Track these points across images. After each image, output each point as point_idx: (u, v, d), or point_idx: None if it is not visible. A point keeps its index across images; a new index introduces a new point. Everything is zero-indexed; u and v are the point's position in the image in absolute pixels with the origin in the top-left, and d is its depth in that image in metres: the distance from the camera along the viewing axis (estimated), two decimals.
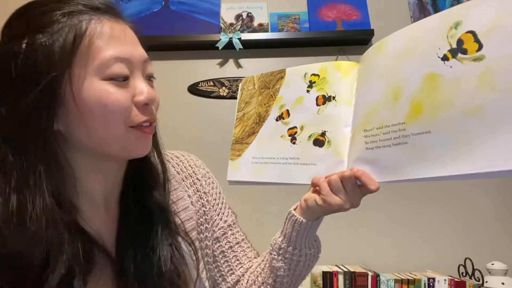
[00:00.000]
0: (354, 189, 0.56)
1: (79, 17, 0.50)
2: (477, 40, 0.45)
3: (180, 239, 0.62)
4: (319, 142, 0.62)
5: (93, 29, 0.50)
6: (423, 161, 0.49)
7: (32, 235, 0.47)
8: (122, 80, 0.51)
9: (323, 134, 0.62)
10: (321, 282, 1.51)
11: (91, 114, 0.50)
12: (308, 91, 0.65)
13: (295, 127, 0.66)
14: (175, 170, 0.70)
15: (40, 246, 0.47)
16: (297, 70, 0.68)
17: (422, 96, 0.49)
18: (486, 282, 1.48)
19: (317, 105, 0.63)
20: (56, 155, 0.50)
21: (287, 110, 0.67)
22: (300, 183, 0.63)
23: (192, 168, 0.72)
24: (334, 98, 0.62)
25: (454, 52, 0.47)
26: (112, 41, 0.51)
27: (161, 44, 1.76)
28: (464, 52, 0.46)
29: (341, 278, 1.50)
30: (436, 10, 1.83)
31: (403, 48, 0.53)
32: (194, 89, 1.80)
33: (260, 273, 0.69)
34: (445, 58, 0.48)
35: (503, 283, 1.46)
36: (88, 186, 0.56)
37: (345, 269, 1.52)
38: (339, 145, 0.60)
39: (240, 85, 0.79)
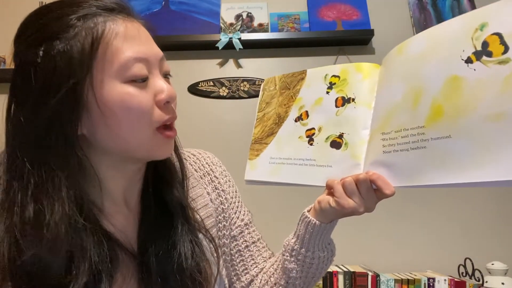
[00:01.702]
0: (369, 192, 0.55)
1: (94, 20, 0.49)
2: (503, 43, 0.43)
3: (201, 236, 0.62)
4: (336, 144, 0.61)
5: (109, 31, 0.49)
6: (441, 167, 0.47)
7: (49, 243, 0.46)
8: (142, 81, 0.51)
9: (340, 136, 0.61)
10: (321, 282, 1.51)
11: (116, 118, 0.50)
12: (328, 92, 0.64)
13: (313, 128, 0.65)
14: (192, 168, 0.71)
15: (59, 254, 0.47)
16: (318, 71, 0.68)
17: (443, 100, 0.47)
18: (486, 282, 1.48)
19: (336, 106, 0.62)
20: (79, 160, 0.50)
21: (306, 111, 0.67)
22: (315, 185, 0.62)
23: (209, 165, 0.72)
24: (353, 100, 0.61)
25: (478, 55, 0.45)
26: (128, 41, 0.50)
27: (161, 44, 1.75)
28: (489, 54, 0.44)
29: (341, 278, 1.50)
30: (436, 10, 1.83)
31: (425, 50, 0.51)
32: (194, 89, 1.80)
33: (273, 273, 0.68)
34: (469, 61, 0.46)
35: (503, 283, 1.46)
36: (109, 185, 0.57)
37: (345, 269, 1.52)
38: (356, 148, 0.58)
39: (262, 85, 0.78)
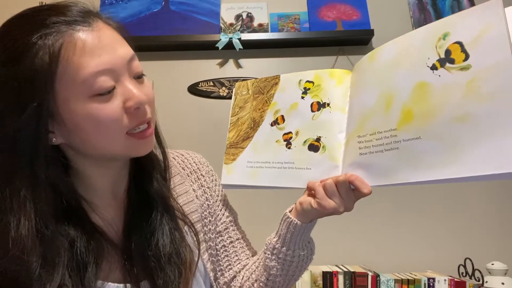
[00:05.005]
0: (348, 193, 0.58)
1: (52, 38, 0.48)
2: (464, 50, 0.47)
3: (185, 228, 0.64)
4: (314, 147, 0.63)
5: (66, 48, 0.48)
6: (413, 166, 0.51)
7: (16, 256, 0.48)
8: (108, 93, 0.51)
9: (318, 139, 0.63)
10: (321, 282, 1.51)
11: (86, 132, 0.51)
12: (303, 97, 0.67)
13: (290, 132, 0.67)
14: (180, 166, 0.73)
15: (26, 265, 0.48)
16: (291, 76, 0.70)
17: (412, 104, 0.51)
18: (486, 282, 1.48)
19: (312, 111, 0.65)
20: (49, 173, 0.51)
21: (282, 116, 0.69)
22: (295, 187, 0.65)
23: (196, 164, 0.74)
24: (328, 104, 0.63)
25: (442, 62, 0.49)
26: (88, 55, 0.49)
27: (161, 44, 1.76)
28: (452, 61, 0.48)
29: (341, 278, 1.50)
30: (436, 10, 1.83)
31: (394, 58, 0.55)
32: (194, 89, 1.80)
33: (254, 270, 0.70)
34: (434, 67, 0.50)
35: (503, 283, 1.46)
36: (97, 182, 0.59)
37: (345, 269, 1.52)
38: (334, 150, 0.61)
39: (233, 90, 0.79)
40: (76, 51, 0.49)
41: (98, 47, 0.50)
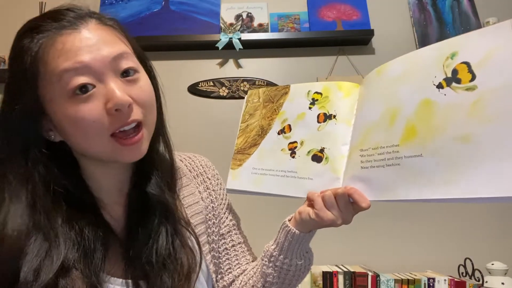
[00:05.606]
0: (346, 206, 0.58)
1: (36, 41, 0.51)
2: (470, 71, 0.47)
3: (188, 232, 0.64)
4: (317, 158, 0.64)
5: (45, 50, 0.50)
6: (413, 183, 0.50)
7: (9, 248, 0.49)
8: (87, 92, 0.50)
9: (321, 150, 0.64)
10: (321, 282, 1.51)
11: (70, 133, 0.53)
12: (310, 108, 0.68)
13: (295, 141, 0.68)
14: (187, 168, 0.74)
15: (15, 255, 0.49)
16: (301, 87, 0.71)
17: (416, 121, 0.51)
18: (486, 282, 1.48)
19: (318, 122, 0.66)
20: (43, 170, 0.53)
21: (289, 125, 0.70)
22: (296, 196, 0.65)
23: (203, 167, 0.75)
24: (334, 116, 0.64)
25: (448, 81, 0.49)
26: (65, 55, 0.50)
27: (161, 44, 1.76)
28: (458, 81, 0.48)
29: (341, 278, 1.50)
30: (436, 10, 1.83)
31: (401, 74, 0.55)
32: (194, 89, 1.80)
33: (252, 276, 0.71)
34: (440, 86, 0.50)
35: (503, 283, 1.46)
36: (103, 181, 0.60)
37: (345, 269, 1.52)
38: (336, 162, 0.62)
39: (245, 97, 0.81)
40: (55, 53, 0.50)
41: (77, 48, 0.50)
